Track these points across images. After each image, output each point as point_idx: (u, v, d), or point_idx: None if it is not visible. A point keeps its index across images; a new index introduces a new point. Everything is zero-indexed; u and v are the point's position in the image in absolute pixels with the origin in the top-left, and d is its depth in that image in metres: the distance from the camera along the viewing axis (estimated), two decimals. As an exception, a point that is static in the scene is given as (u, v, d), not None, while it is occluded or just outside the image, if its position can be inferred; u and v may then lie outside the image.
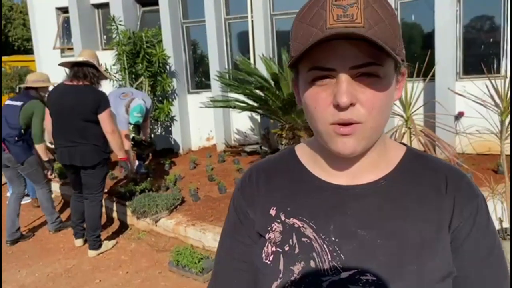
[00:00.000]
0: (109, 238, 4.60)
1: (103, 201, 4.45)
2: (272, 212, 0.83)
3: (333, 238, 0.76)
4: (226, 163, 6.35)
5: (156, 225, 4.57)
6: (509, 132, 2.81)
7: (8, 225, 4.68)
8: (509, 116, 2.78)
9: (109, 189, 5.43)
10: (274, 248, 0.80)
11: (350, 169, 0.80)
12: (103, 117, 4.01)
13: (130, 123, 5.64)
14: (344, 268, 0.74)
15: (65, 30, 8.34)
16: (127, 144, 5.37)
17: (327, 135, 0.73)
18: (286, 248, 0.79)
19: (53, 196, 6.16)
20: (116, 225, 5.03)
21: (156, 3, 7.21)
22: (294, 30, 0.72)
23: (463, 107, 5.52)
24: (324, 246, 0.76)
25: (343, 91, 0.67)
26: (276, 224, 0.81)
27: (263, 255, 0.81)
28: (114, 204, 5.16)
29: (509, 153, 3.30)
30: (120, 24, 6.87)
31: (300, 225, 0.79)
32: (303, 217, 0.80)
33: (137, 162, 6.13)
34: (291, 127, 5.40)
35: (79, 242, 4.48)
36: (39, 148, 4.54)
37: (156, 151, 7.34)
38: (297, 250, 0.78)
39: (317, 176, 0.83)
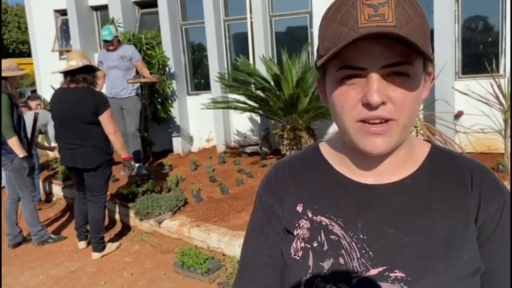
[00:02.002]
0: (112, 240, 4.60)
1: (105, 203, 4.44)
2: (299, 208, 0.84)
3: (361, 236, 0.77)
4: (227, 164, 6.36)
5: (159, 227, 4.57)
6: (513, 130, 2.84)
7: (8, 230, 4.66)
8: (513, 114, 2.81)
9: (111, 191, 5.42)
10: (303, 244, 0.81)
11: (377, 168, 0.80)
12: (104, 118, 4.02)
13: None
14: (373, 265, 0.75)
15: (64, 32, 8.32)
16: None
17: (354, 133, 0.73)
18: (315, 245, 0.79)
19: (54, 199, 6.21)
20: (118, 227, 5.03)
21: (155, 5, 7.20)
22: (323, 30, 0.72)
23: (462, 106, 5.56)
24: (353, 243, 0.77)
25: (374, 89, 0.68)
26: (304, 221, 0.82)
27: (292, 251, 0.82)
28: (117, 206, 5.15)
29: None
30: (119, 26, 6.86)
31: (328, 223, 0.80)
32: (330, 215, 0.80)
33: (137, 165, 6.14)
34: (293, 127, 5.42)
35: (82, 244, 4.48)
36: (11, 142, 4.19)
37: (156, 153, 7.35)
38: (325, 247, 0.79)
39: (343, 174, 0.83)
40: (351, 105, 0.71)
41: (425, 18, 0.70)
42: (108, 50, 6.06)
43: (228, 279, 3.42)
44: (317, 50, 0.76)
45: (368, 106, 0.69)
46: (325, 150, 0.88)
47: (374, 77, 0.68)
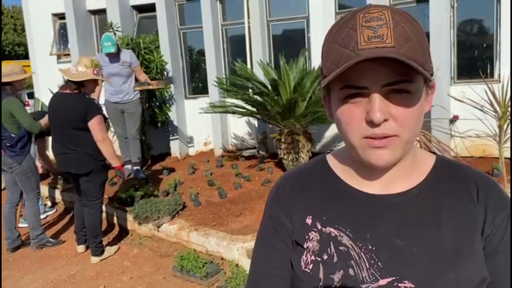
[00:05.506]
0: (110, 244, 4.61)
1: (103, 207, 4.45)
2: (308, 221, 0.86)
3: (370, 247, 0.79)
4: (225, 168, 6.39)
5: (158, 231, 4.59)
6: (508, 136, 2.88)
7: (7, 234, 4.66)
8: (508, 120, 2.86)
9: (110, 194, 5.44)
10: (313, 257, 0.83)
11: (383, 179, 0.83)
12: (92, 125, 4.00)
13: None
14: (382, 275, 0.77)
15: (62, 36, 8.34)
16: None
17: (360, 148, 0.76)
18: (325, 257, 0.82)
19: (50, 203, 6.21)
20: (116, 230, 5.04)
21: (153, 9, 7.24)
22: (325, 51, 0.75)
23: (458, 110, 5.61)
24: (362, 254, 0.79)
25: (376, 108, 0.71)
26: (313, 233, 0.84)
27: (302, 263, 0.84)
28: (115, 209, 5.17)
29: (507, 156, 3.38)
30: (117, 31, 6.89)
31: (337, 234, 0.82)
32: (339, 226, 0.82)
33: (135, 168, 6.16)
34: (290, 131, 5.46)
35: (81, 248, 4.49)
36: (38, 129, 4.43)
37: (154, 156, 7.37)
38: (335, 259, 0.81)
39: (350, 185, 0.85)
40: (356, 122, 0.74)
41: (423, 34, 0.73)
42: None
43: (227, 283, 3.45)
44: (321, 70, 0.79)
45: (371, 123, 0.72)
46: (332, 162, 0.91)
47: (376, 96, 0.71)
